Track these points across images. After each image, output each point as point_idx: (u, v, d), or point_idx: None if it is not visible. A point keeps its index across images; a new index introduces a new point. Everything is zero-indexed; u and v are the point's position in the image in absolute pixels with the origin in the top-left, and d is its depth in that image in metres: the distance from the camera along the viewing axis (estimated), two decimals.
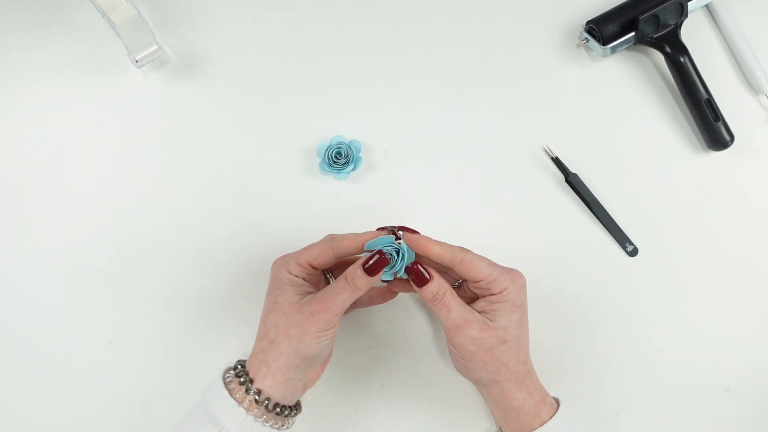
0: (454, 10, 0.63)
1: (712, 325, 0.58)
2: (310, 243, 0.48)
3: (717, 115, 0.59)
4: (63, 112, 0.60)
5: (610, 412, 0.57)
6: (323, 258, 0.47)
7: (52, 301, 0.57)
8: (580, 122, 0.61)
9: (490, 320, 0.45)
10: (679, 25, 0.60)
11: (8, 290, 0.57)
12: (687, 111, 0.61)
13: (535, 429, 0.45)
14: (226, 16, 0.62)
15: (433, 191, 0.60)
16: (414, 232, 0.47)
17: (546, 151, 0.60)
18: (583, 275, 0.59)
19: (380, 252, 0.45)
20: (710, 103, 0.59)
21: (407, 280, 0.46)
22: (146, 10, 0.60)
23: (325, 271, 0.51)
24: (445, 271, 0.49)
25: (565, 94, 0.62)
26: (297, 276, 0.46)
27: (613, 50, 0.60)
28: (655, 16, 0.58)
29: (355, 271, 0.45)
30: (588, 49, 0.62)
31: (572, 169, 0.59)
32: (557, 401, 0.48)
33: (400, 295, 0.55)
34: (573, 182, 0.59)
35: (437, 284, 0.45)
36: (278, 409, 0.45)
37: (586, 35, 0.61)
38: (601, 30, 0.59)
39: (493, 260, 0.47)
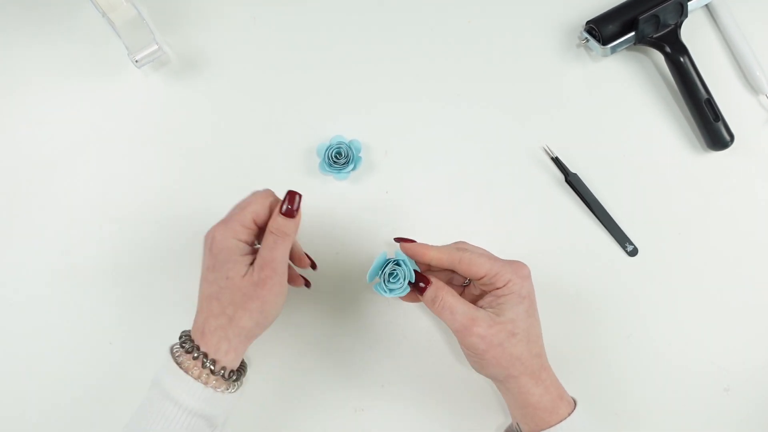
0: (454, 11, 0.63)
1: (712, 325, 0.58)
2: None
3: (717, 115, 0.59)
4: (63, 112, 0.60)
5: (610, 412, 0.57)
6: (264, 212, 0.45)
7: (51, 301, 0.57)
8: (580, 122, 0.61)
9: (497, 315, 0.45)
10: (679, 25, 0.60)
11: (7, 290, 0.57)
12: (687, 111, 0.61)
13: (552, 425, 0.45)
14: (226, 17, 0.62)
15: (433, 191, 0.60)
16: (410, 241, 0.47)
17: (546, 151, 0.60)
18: (582, 275, 0.59)
19: (290, 191, 0.44)
20: (710, 102, 0.59)
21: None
22: (146, 10, 0.60)
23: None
24: (452, 274, 0.49)
25: (565, 94, 0.62)
26: (246, 241, 0.45)
27: (613, 50, 0.60)
28: (655, 16, 0.58)
29: (276, 220, 0.44)
30: (588, 49, 0.62)
31: (572, 168, 0.59)
32: (574, 400, 0.48)
33: None
34: (573, 182, 0.59)
35: (434, 288, 0.46)
36: (233, 375, 0.45)
37: (586, 35, 0.61)
38: (601, 30, 0.59)
39: None
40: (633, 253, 0.59)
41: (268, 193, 0.47)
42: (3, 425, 0.55)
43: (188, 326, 0.46)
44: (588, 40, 0.61)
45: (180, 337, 0.46)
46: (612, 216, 0.59)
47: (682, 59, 0.59)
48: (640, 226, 0.59)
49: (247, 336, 0.45)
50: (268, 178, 0.59)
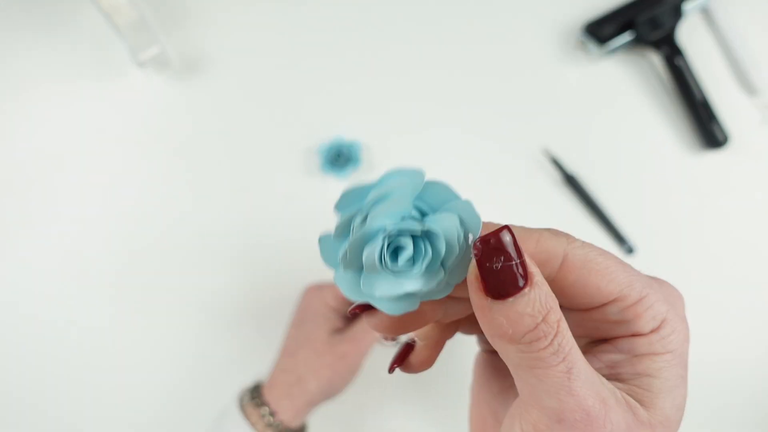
0: (453, 11, 0.63)
1: (711, 325, 0.59)
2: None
3: (712, 116, 0.59)
4: (66, 114, 0.60)
5: None
6: None
7: (51, 301, 0.57)
8: (578, 123, 0.62)
9: (641, 401, 0.22)
10: (675, 27, 0.60)
11: (9, 292, 0.57)
12: (683, 111, 0.61)
13: None
14: (228, 18, 0.62)
15: None
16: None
17: (545, 151, 0.61)
18: None
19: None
20: (705, 103, 0.60)
21: (461, 289, 0.23)
22: (149, 12, 0.60)
23: None
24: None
25: (564, 94, 0.62)
26: (335, 308, 0.46)
27: (611, 51, 0.61)
28: (653, 18, 0.59)
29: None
30: (586, 50, 0.63)
31: (570, 169, 0.60)
32: None
33: None
34: (571, 183, 0.60)
35: (542, 296, 0.20)
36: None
37: (584, 37, 0.61)
38: (599, 31, 0.60)
39: None
40: (629, 251, 0.59)
41: None
42: (8, 428, 0.56)
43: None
44: (586, 42, 0.61)
45: (253, 385, 0.47)
46: (608, 215, 0.60)
47: (678, 61, 0.60)
48: (636, 225, 0.60)
49: (311, 401, 0.45)
50: (268, 178, 0.60)
